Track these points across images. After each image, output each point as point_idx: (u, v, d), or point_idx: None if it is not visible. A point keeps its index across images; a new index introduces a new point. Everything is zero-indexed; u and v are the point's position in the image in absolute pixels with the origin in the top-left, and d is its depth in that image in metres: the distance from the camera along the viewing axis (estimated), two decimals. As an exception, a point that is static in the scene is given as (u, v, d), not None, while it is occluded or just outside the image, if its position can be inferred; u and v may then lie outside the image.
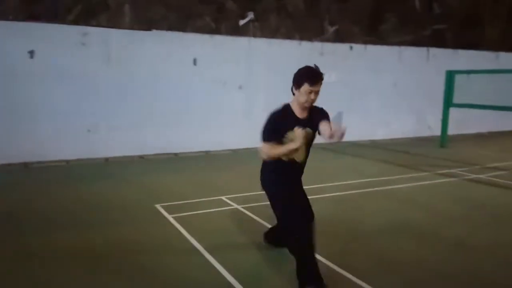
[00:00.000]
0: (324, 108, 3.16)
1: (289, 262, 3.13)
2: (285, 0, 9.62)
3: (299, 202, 3.20)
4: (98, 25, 7.61)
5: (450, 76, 9.32)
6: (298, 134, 2.83)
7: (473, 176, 6.67)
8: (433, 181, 6.34)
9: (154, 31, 8.02)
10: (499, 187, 6.06)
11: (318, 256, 3.26)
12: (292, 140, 2.92)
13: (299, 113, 3.09)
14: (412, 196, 5.56)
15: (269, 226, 4.05)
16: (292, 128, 2.95)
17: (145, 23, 8.02)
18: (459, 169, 7.13)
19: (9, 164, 6.99)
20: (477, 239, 4.07)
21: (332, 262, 3.43)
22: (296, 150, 2.92)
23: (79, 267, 3.40)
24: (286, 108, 3.12)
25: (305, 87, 2.96)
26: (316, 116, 3.09)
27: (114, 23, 7.75)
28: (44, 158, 7.29)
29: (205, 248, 3.73)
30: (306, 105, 3.05)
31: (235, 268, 3.32)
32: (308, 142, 3.12)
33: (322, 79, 3.01)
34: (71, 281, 3.17)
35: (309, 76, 2.97)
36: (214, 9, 8.80)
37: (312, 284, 2.88)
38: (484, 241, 4.01)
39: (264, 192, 3.26)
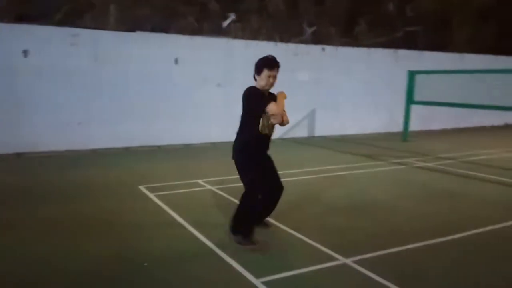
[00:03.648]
0: (293, 103, 3.93)
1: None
2: (266, 1, 10.35)
3: (267, 173, 3.84)
4: (85, 24, 8.22)
5: (412, 76, 10.18)
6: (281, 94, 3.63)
7: (423, 164, 7.53)
8: (386, 168, 7.17)
9: (138, 33, 8.68)
10: (442, 173, 6.92)
11: (276, 220, 4.00)
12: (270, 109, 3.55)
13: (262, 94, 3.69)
14: (363, 180, 6.36)
15: (235, 201, 4.77)
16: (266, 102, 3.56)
17: (130, 22, 8.66)
18: (413, 159, 7.97)
19: (2, 154, 7.57)
20: (407, 209, 4.87)
21: (287, 226, 4.21)
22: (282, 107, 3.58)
23: (64, 235, 4.09)
24: (257, 88, 3.69)
25: (265, 72, 3.60)
26: (271, 99, 3.68)
27: (100, 23, 8.38)
28: (36, 149, 7.89)
29: (184, 219, 4.43)
30: (267, 87, 3.67)
31: (211, 236, 4.00)
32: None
33: (278, 65, 3.63)
34: (54, 246, 3.86)
35: (267, 63, 3.61)
36: (197, 10, 9.48)
37: (242, 235, 3.70)
38: (413, 210, 4.81)
39: (237, 165, 3.80)
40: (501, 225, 4.37)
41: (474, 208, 5.02)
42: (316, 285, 3.15)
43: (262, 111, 3.58)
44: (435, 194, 5.64)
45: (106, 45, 8.36)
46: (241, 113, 3.77)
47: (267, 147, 3.87)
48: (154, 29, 8.91)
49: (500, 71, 10.37)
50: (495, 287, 3.15)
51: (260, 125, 3.65)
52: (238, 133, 3.84)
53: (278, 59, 3.66)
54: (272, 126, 3.72)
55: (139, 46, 8.66)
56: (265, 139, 3.77)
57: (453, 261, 3.56)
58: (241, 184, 3.85)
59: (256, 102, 3.61)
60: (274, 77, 3.64)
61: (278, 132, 10.37)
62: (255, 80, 3.72)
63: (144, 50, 8.72)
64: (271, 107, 3.53)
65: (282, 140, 10.12)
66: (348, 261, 3.49)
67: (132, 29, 8.64)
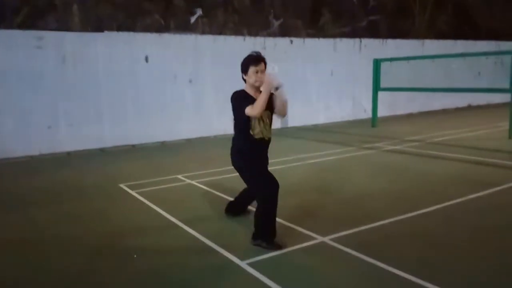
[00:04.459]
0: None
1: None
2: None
3: (268, 173, 3.70)
4: (48, 26, 8.14)
5: (377, 64, 10.58)
6: (267, 78, 3.40)
7: (391, 147, 7.90)
8: (357, 153, 7.48)
9: (106, 32, 8.65)
10: (406, 154, 7.31)
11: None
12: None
13: (254, 94, 3.57)
14: (336, 165, 6.65)
15: (216, 193, 4.96)
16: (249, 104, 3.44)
17: (95, 22, 8.62)
18: (382, 143, 8.34)
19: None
20: (378, 189, 5.18)
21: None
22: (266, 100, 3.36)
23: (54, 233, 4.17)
24: (244, 91, 3.62)
25: (251, 69, 3.52)
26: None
27: (64, 24, 8.32)
28: (7, 155, 7.79)
29: (166, 212, 4.57)
30: (257, 84, 3.53)
31: (195, 225, 4.16)
32: (268, 120, 3.64)
33: (263, 59, 3.56)
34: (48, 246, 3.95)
35: (251, 59, 3.55)
36: (162, 6, 9.51)
37: (263, 240, 3.57)
38: (382, 190, 5.12)
39: (237, 171, 3.73)
40: (463, 199, 4.71)
41: (439, 184, 5.37)
42: (297, 262, 3.36)
43: (246, 116, 3.48)
44: (403, 174, 5.98)
45: (72, 46, 8.30)
46: (234, 117, 3.69)
47: (265, 151, 3.75)
48: (120, 28, 8.90)
49: (459, 55, 10.91)
50: (456, 252, 3.45)
51: (255, 130, 3.57)
52: (233, 139, 3.76)
53: (246, 53, 3.62)
54: (268, 127, 3.63)
55: (106, 45, 8.63)
56: (262, 143, 3.64)
57: (419, 233, 3.86)
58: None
59: (240, 105, 3.50)
60: (262, 72, 3.54)
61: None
62: (245, 81, 3.65)
63: (112, 49, 8.71)
64: (247, 111, 3.43)
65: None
66: (326, 239, 3.73)
67: (97, 29, 8.60)
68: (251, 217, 3.81)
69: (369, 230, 3.94)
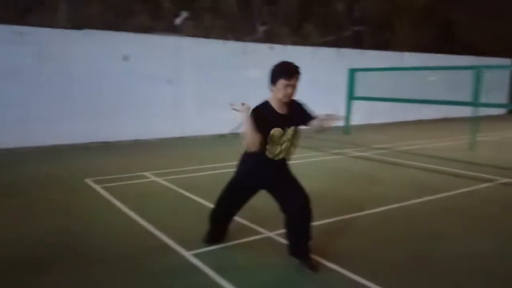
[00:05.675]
0: (245, 98, 3.25)
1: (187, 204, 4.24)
2: (219, 0, 10.71)
3: (241, 199, 3.48)
4: (32, 22, 8.28)
5: (352, 74, 10.90)
6: (241, 108, 2.96)
7: (358, 154, 8.18)
8: (325, 158, 7.76)
9: (86, 30, 8.82)
10: (370, 160, 7.61)
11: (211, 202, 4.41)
12: (276, 137, 3.08)
13: (279, 109, 3.10)
14: (302, 168, 6.84)
15: (178, 190, 5.17)
16: (275, 124, 3.04)
17: (82, 20, 8.77)
18: (351, 149, 8.62)
19: None
20: (331, 190, 5.43)
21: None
22: (255, 135, 2.95)
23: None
24: (266, 104, 3.11)
25: (281, 82, 3.00)
26: (296, 111, 3.18)
27: (48, 20, 8.45)
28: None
29: (129, 208, 4.70)
30: (285, 100, 3.06)
31: (149, 218, 4.35)
32: (292, 139, 3.20)
33: (298, 72, 3.04)
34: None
35: (284, 71, 3.02)
36: (150, 7, 9.71)
37: (209, 242, 3.66)
38: (335, 191, 5.37)
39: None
40: (408, 202, 4.99)
41: (390, 188, 5.66)
42: (242, 254, 3.58)
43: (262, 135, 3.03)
44: (359, 178, 6.27)
45: (51, 43, 8.44)
46: None
47: (280, 171, 3.32)
48: (106, 27, 9.07)
49: (427, 68, 11.32)
50: (378, 245, 3.70)
51: (269, 150, 3.15)
52: (245, 152, 3.29)
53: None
54: (287, 147, 3.23)
55: (85, 43, 8.79)
56: (278, 162, 3.24)
57: (362, 231, 4.11)
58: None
59: (256, 125, 2.98)
60: (293, 87, 3.05)
61: (230, 127, 10.85)
62: (271, 91, 3.13)
63: (92, 48, 8.87)
64: (245, 138, 2.98)
65: (233, 134, 10.54)
66: (272, 234, 3.96)
67: (82, 27, 8.76)
68: (203, 212, 4.01)
69: (315, 226, 4.13)
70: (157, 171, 6.46)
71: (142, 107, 9.57)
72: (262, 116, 3.03)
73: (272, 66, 3.11)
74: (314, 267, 3.27)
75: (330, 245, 3.75)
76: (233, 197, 3.51)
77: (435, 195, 5.29)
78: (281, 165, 3.31)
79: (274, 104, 3.12)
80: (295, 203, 3.26)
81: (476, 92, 8.33)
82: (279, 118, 3.09)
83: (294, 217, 3.28)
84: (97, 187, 5.53)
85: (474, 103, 8.42)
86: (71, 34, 8.65)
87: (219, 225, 3.70)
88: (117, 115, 9.27)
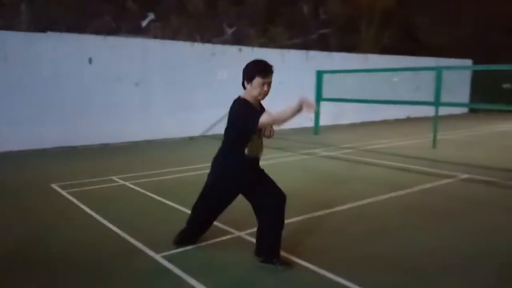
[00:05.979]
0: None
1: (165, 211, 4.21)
2: (186, 1, 10.65)
3: (222, 205, 3.47)
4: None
5: (320, 75, 11.09)
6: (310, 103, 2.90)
7: (326, 153, 8.35)
8: (295, 158, 7.87)
9: (49, 33, 8.60)
10: (338, 160, 7.79)
11: (181, 204, 4.39)
12: (257, 134, 3.16)
13: (255, 106, 3.13)
14: (272, 168, 6.92)
15: (146, 193, 5.12)
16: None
17: (44, 22, 8.56)
18: (319, 149, 8.78)
19: None
20: (301, 188, 5.52)
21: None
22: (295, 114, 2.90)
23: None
24: (245, 100, 3.12)
25: (258, 80, 3.01)
26: (262, 109, 3.18)
27: (9, 23, 8.20)
28: None
29: (97, 212, 4.62)
30: (260, 98, 3.09)
31: (116, 221, 4.31)
32: (262, 137, 3.32)
33: (272, 71, 3.07)
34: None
35: (260, 69, 3.02)
36: (114, 9, 9.56)
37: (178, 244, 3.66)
38: (304, 189, 5.47)
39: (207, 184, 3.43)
40: (375, 199, 5.14)
41: (357, 186, 5.81)
42: (212, 254, 3.59)
43: (255, 129, 3.08)
44: (327, 176, 6.41)
45: (16, 46, 8.20)
46: (227, 129, 3.27)
47: (256, 171, 3.34)
48: (69, 29, 8.87)
49: (389, 70, 11.66)
50: (364, 246, 3.81)
51: (249, 148, 3.18)
52: (221, 154, 3.31)
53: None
54: (261, 144, 3.28)
55: (51, 46, 8.58)
56: (254, 161, 3.29)
57: (332, 228, 4.21)
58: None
59: (251, 116, 2.99)
60: (269, 85, 3.08)
61: (199, 129, 10.80)
62: (244, 88, 3.14)
63: (57, 50, 8.66)
64: (263, 119, 2.93)
65: (203, 137, 10.52)
66: (242, 233, 3.99)
67: (45, 29, 8.54)
68: (174, 213, 4.00)
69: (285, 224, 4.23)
70: (126, 175, 6.37)
71: (110, 110, 9.42)
72: (252, 108, 3.09)
73: (246, 65, 3.12)
74: (286, 264, 3.32)
75: (301, 243, 3.82)
76: (212, 204, 3.48)
77: (400, 191, 5.47)
78: (257, 164, 3.37)
79: (251, 102, 3.15)
80: (272, 203, 3.31)
81: (438, 92, 8.65)
82: (259, 114, 3.07)
83: (271, 217, 3.31)
84: (64, 192, 5.41)
85: (436, 103, 8.74)
86: (35, 37, 8.42)
87: (196, 232, 3.70)
88: (84, 119, 9.08)
